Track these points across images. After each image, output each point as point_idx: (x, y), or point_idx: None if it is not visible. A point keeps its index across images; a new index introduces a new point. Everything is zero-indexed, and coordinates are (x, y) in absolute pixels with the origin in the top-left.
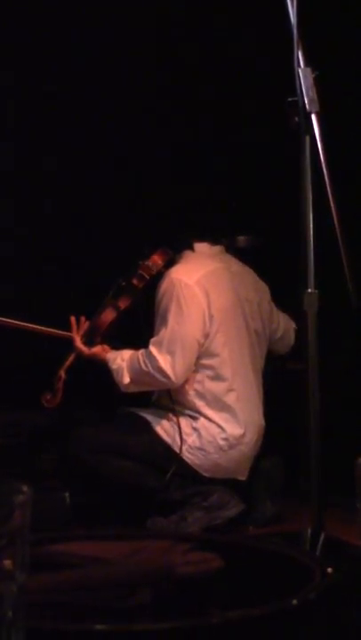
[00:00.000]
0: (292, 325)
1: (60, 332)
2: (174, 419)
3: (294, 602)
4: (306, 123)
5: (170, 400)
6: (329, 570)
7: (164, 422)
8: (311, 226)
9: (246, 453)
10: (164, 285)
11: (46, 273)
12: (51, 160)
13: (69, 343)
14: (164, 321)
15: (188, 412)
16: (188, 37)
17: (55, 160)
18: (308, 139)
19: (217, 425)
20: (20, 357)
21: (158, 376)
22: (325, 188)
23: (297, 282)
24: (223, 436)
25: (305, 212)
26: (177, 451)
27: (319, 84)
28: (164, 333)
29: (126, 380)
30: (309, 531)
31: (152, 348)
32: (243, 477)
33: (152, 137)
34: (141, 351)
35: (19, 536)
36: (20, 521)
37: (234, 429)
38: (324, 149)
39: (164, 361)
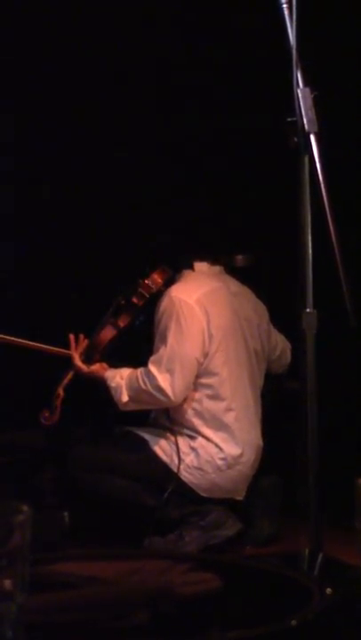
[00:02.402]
0: (288, 345)
1: (58, 349)
2: (172, 438)
3: (293, 622)
4: (305, 143)
5: (168, 419)
6: (328, 590)
7: (162, 441)
8: (310, 245)
9: (244, 473)
10: (164, 304)
11: (45, 290)
12: (50, 178)
13: (68, 361)
14: (164, 339)
15: (186, 431)
16: (185, 57)
17: (55, 179)
18: (306, 159)
19: (215, 444)
20: (18, 376)
21: (157, 395)
22: (324, 207)
23: (295, 301)
24: (221, 455)
25: (303, 231)
26: (175, 470)
27: (318, 103)
28: (163, 352)
29: (125, 398)
30: (307, 551)
31: (151, 367)
32: (240, 497)
33: (152, 156)
34: (140, 369)
35: (18, 556)
36: (20, 541)
37: (232, 449)
38: (322, 169)
39: (163, 379)
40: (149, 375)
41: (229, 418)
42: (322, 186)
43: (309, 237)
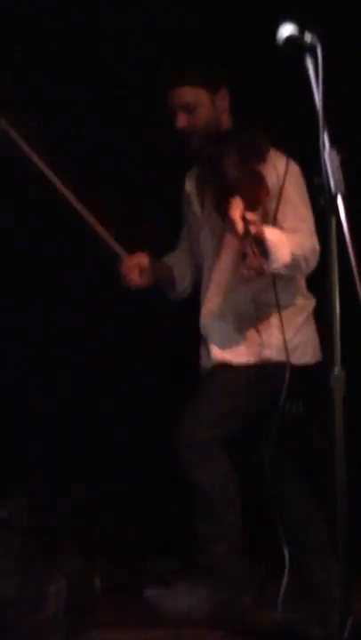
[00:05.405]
0: None
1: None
2: (255, 329)
3: None
4: (332, 204)
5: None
6: None
7: (245, 345)
8: (338, 306)
9: None
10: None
11: None
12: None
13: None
14: (305, 204)
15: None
16: None
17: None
18: (334, 220)
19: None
20: None
21: (314, 260)
22: (351, 266)
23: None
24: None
25: (332, 292)
26: (284, 358)
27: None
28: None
29: (287, 258)
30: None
31: (308, 231)
32: None
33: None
34: (298, 234)
35: (51, 624)
36: (54, 609)
37: None
38: (350, 230)
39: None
40: (314, 238)
41: None
42: (349, 246)
43: (337, 299)
